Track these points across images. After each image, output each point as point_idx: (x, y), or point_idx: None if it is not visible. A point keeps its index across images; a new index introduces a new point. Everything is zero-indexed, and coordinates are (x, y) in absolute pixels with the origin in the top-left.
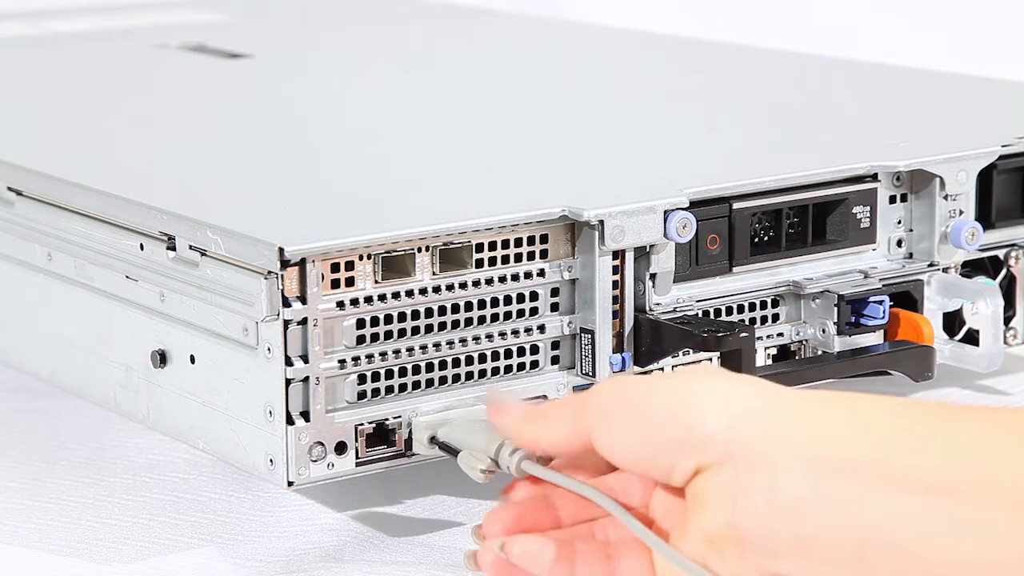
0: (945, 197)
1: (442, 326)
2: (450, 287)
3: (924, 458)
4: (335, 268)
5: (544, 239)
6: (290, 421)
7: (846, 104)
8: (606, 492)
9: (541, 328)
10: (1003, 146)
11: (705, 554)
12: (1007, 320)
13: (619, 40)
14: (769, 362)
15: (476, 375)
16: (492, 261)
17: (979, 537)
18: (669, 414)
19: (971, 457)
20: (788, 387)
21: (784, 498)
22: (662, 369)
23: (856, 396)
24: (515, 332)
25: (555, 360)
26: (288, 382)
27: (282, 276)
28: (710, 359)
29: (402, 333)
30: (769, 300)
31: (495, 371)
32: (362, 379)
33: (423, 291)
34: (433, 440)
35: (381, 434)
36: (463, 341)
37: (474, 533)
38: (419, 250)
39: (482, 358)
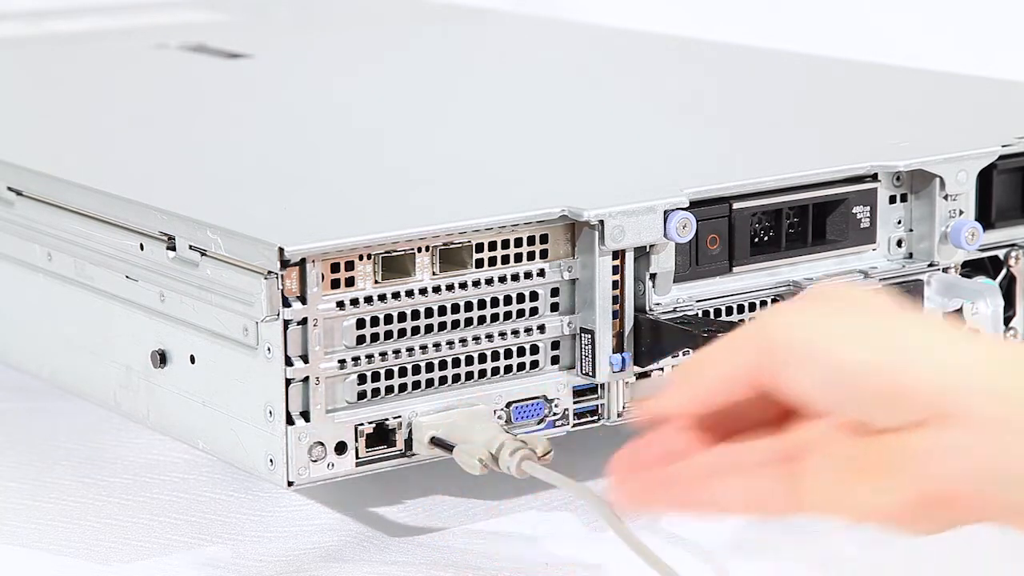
0: (945, 197)
1: (442, 326)
2: (450, 287)
3: None
4: (335, 268)
5: (544, 239)
6: (290, 421)
7: (846, 104)
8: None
9: (541, 328)
10: (1003, 146)
11: (914, 515)
12: (1007, 320)
13: (619, 40)
14: None
15: (476, 375)
16: (492, 261)
17: None
18: (875, 367)
19: None
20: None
21: (1001, 461)
22: (662, 370)
23: None
24: (515, 332)
25: (555, 360)
26: (288, 382)
27: (282, 276)
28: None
29: (402, 333)
30: (769, 300)
31: (495, 371)
32: (362, 379)
33: (423, 291)
34: (433, 440)
35: (381, 434)
36: (463, 341)
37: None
38: (419, 250)
39: (482, 358)
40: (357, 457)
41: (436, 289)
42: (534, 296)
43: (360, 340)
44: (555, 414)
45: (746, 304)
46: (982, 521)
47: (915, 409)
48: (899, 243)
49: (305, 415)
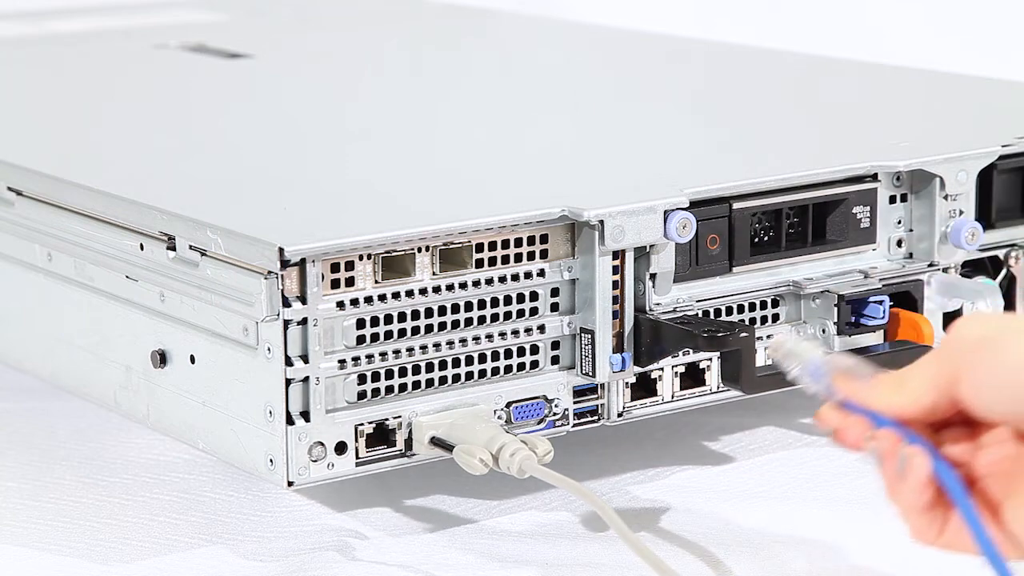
0: (945, 197)
1: (442, 326)
2: (450, 287)
3: None
4: (335, 268)
5: (544, 239)
6: (290, 421)
7: (846, 104)
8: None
9: (541, 328)
10: (1003, 146)
11: None
12: None
13: (619, 40)
14: (769, 362)
15: (476, 375)
16: (492, 261)
17: None
18: None
19: None
20: None
21: None
22: (662, 370)
23: None
24: (515, 332)
25: (555, 360)
26: (288, 382)
27: (282, 276)
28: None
29: (402, 333)
30: (769, 300)
31: (495, 371)
32: (362, 379)
33: (423, 291)
34: (433, 440)
35: (381, 434)
36: (463, 341)
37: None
38: (419, 250)
39: (482, 358)
40: (357, 457)
41: (436, 289)
42: (534, 296)
43: (360, 340)
44: (555, 414)
45: (746, 304)
46: None
47: None
48: (899, 243)
49: (305, 415)
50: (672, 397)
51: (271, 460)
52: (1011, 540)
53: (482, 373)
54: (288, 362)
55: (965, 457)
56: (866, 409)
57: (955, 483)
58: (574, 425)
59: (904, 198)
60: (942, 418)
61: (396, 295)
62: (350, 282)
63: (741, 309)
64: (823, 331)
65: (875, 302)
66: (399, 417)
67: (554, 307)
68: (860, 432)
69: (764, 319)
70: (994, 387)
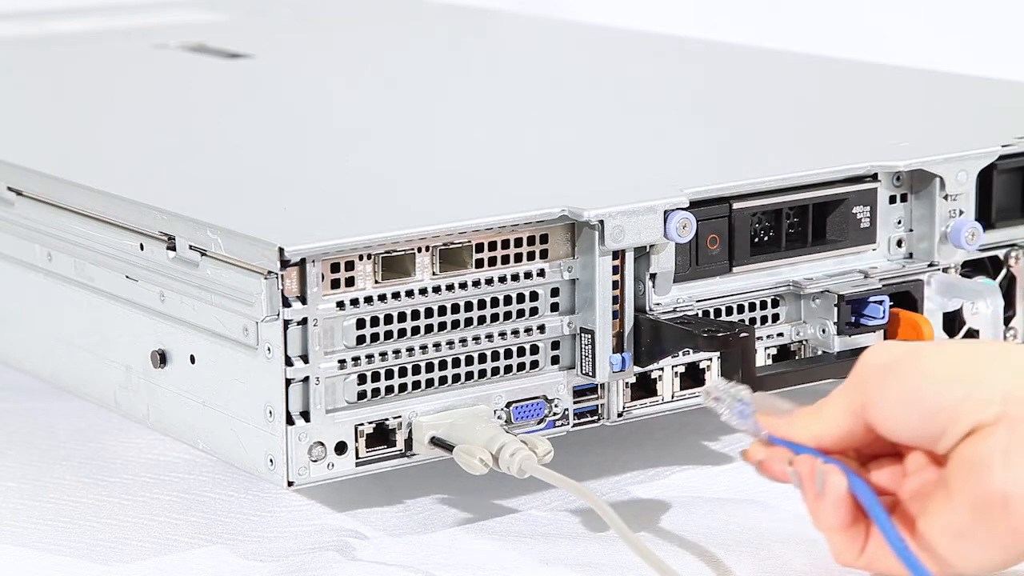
0: (945, 197)
1: (442, 326)
2: (450, 287)
3: None
4: (335, 268)
5: (544, 239)
6: (290, 421)
7: (846, 104)
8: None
9: (541, 328)
10: (1003, 146)
11: (969, 522)
12: (1007, 320)
13: (619, 40)
14: (769, 362)
15: (476, 375)
16: (492, 261)
17: None
18: (945, 377)
19: None
20: None
21: None
22: (662, 370)
23: None
24: (515, 332)
25: (555, 360)
26: (288, 382)
27: (282, 276)
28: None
29: (402, 333)
30: (769, 300)
31: (495, 371)
32: (362, 379)
33: (423, 291)
34: (433, 440)
35: (381, 434)
36: (463, 341)
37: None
38: (419, 250)
39: (482, 358)
40: (357, 457)
41: (436, 289)
42: (534, 296)
43: (360, 340)
44: (555, 414)
45: (746, 304)
46: None
47: (985, 412)
48: (899, 243)
49: (305, 415)
50: (672, 397)
51: (271, 460)
52: (930, 557)
53: (482, 373)
54: (288, 362)
55: (893, 486)
56: (788, 441)
57: (870, 495)
58: (574, 425)
59: (904, 198)
60: (864, 445)
61: (396, 295)
62: (350, 282)
63: (741, 309)
64: (823, 331)
65: (875, 302)
66: (399, 417)
67: (554, 307)
68: (783, 461)
69: (764, 319)
70: (898, 411)
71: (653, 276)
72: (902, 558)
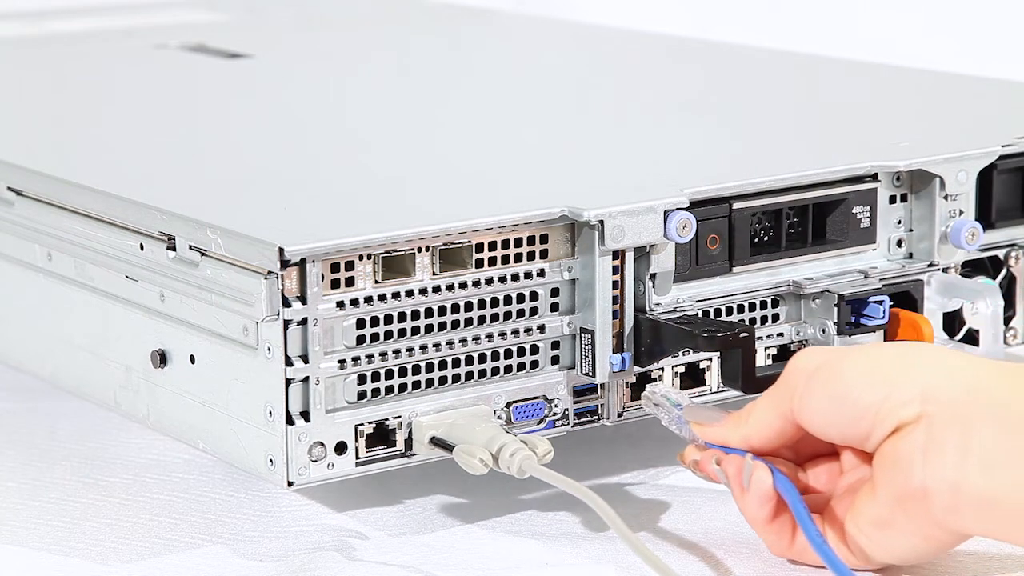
0: (945, 197)
1: (442, 326)
2: (450, 287)
3: None
4: (335, 268)
5: (544, 239)
6: (290, 421)
7: (846, 104)
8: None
9: (541, 328)
10: (1003, 146)
11: (892, 515)
12: (1007, 320)
13: (619, 40)
14: (769, 362)
15: (476, 375)
16: (492, 261)
17: None
18: (867, 379)
19: None
20: (980, 357)
21: (974, 454)
22: (662, 370)
23: None
24: (515, 332)
25: (555, 360)
26: (288, 382)
27: (282, 276)
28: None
29: (402, 333)
30: (769, 300)
31: (495, 371)
32: (362, 379)
33: (423, 291)
34: (433, 440)
35: (381, 434)
36: (463, 341)
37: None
38: (419, 250)
39: (482, 358)
40: (357, 457)
41: (436, 289)
42: (534, 296)
43: (360, 340)
44: (555, 414)
45: (746, 304)
46: (963, 527)
47: (905, 411)
48: (899, 243)
49: (305, 415)
50: None
51: (271, 460)
52: (855, 549)
53: (482, 373)
54: (288, 362)
55: (830, 483)
56: (720, 445)
57: (792, 491)
58: (574, 425)
59: (904, 198)
60: (801, 445)
61: (396, 295)
62: (350, 282)
63: (741, 309)
64: (823, 331)
65: (875, 302)
66: (399, 417)
67: (554, 307)
68: (713, 461)
69: (764, 319)
70: (825, 414)
71: (653, 276)
72: (819, 552)
